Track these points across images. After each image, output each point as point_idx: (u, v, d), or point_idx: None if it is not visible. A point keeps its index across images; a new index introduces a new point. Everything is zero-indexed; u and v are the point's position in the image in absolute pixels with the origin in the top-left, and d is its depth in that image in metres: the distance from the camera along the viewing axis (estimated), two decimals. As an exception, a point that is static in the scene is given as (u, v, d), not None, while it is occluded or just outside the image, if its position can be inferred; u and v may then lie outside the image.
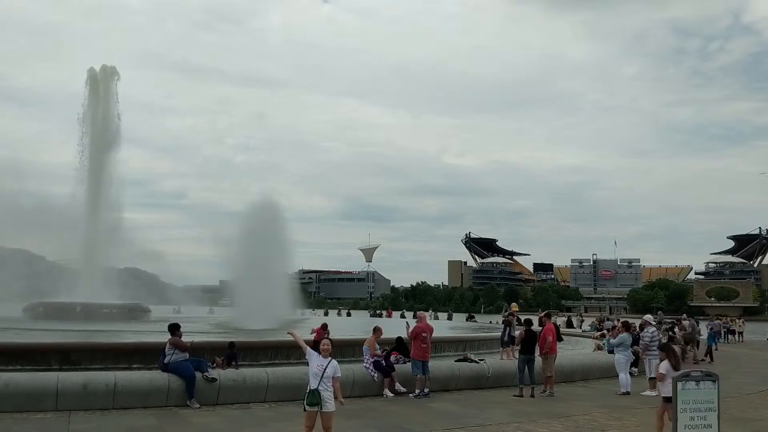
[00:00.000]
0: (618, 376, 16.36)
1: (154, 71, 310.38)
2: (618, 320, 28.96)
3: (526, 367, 15.27)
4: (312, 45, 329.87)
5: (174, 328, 13.21)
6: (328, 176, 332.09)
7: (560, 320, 56.63)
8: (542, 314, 19.05)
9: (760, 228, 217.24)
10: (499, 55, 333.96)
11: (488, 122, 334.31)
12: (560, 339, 17.05)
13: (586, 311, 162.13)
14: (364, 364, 14.73)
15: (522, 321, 17.49)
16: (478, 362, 16.57)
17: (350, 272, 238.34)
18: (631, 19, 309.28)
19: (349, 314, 74.92)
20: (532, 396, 15.00)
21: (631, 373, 16.79)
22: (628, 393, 15.66)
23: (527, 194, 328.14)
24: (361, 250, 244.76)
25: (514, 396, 15.00)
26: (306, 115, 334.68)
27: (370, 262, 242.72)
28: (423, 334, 14.84)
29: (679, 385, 8.00)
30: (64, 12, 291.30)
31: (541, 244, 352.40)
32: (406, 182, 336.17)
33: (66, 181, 36.89)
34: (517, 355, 16.51)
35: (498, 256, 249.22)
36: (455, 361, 17.09)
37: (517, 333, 17.92)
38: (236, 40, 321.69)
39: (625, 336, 16.79)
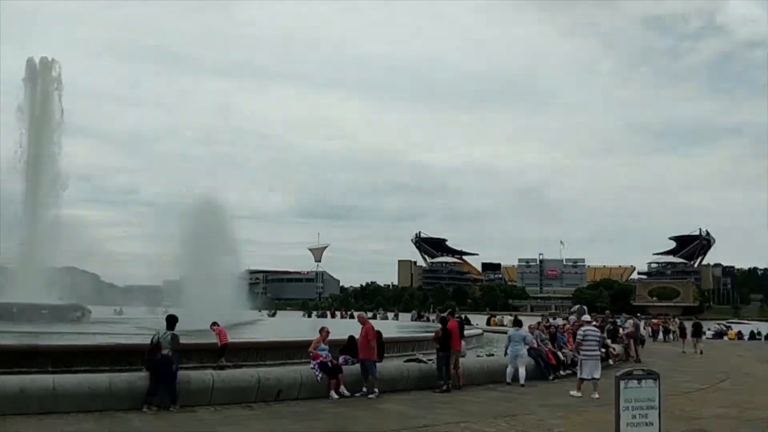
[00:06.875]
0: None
1: (123, 59, 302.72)
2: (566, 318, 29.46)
3: (444, 364, 15.84)
4: (287, 34, 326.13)
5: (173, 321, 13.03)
6: (290, 172, 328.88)
7: (507, 319, 57.68)
8: (446, 313, 19.30)
9: (700, 229, 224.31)
10: (476, 50, 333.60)
11: (459, 118, 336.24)
12: (462, 336, 17.50)
13: (531, 310, 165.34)
14: (311, 366, 14.60)
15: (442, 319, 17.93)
16: (426, 362, 16.60)
17: (298, 272, 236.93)
18: (613, 15, 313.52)
19: (309, 315, 74.15)
20: (448, 390, 15.49)
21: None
22: (510, 384, 16.80)
23: (490, 192, 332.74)
24: (310, 249, 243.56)
25: (436, 392, 15.34)
26: (272, 107, 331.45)
27: (319, 262, 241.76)
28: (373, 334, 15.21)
29: (622, 383, 8.13)
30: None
31: (495, 243, 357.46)
32: (370, 179, 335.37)
33: (5, 176, 35.47)
34: None
35: (448, 255, 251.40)
36: (404, 361, 17.11)
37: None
38: (215, 26, 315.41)
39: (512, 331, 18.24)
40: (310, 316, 72.81)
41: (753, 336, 54.40)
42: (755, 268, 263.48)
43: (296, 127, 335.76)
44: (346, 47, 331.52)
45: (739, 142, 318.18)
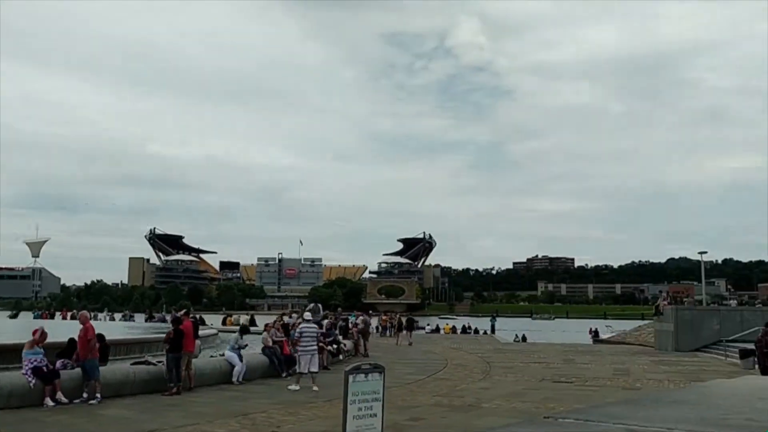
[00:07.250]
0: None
1: None
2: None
3: (174, 365, 15.36)
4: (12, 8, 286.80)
5: None
6: (6, 157, 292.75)
7: (243, 318, 57.40)
8: (181, 313, 19.08)
9: (424, 233, 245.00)
10: (228, 44, 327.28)
11: (203, 112, 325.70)
12: (197, 337, 17.41)
13: (269, 309, 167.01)
14: (23, 371, 13.16)
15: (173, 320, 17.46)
16: (156, 364, 15.89)
17: (12, 268, 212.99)
18: (356, 26, 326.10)
19: (15, 316, 65.93)
20: (179, 392, 15.07)
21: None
22: (241, 382, 17.21)
23: (232, 190, 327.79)
24: (27, 243, 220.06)
25: (165, 395, 14.84)
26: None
27: (38, 257, 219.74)
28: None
29: (350, 377, 8.49)
30: None
31: (235, 241, 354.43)
32: (101, 169, 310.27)
33: None
34: None
35: (184, 253, 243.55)
36: (131, 364, 16.20)
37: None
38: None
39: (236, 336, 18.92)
40: (15, 317, 65.16)
41: (464, 330, 60.61)
42: (468, 269, 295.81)
43: (15, 109, 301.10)
44: (79, 28, 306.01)
45: (459, 157, 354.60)
